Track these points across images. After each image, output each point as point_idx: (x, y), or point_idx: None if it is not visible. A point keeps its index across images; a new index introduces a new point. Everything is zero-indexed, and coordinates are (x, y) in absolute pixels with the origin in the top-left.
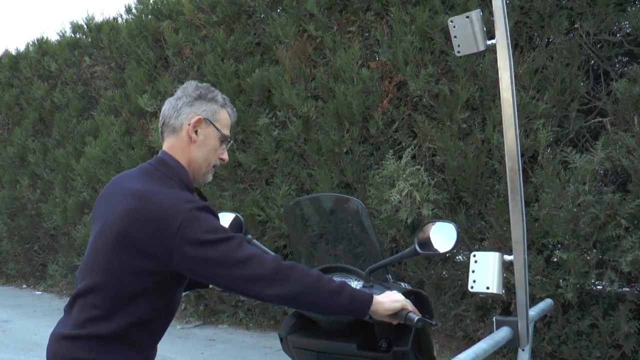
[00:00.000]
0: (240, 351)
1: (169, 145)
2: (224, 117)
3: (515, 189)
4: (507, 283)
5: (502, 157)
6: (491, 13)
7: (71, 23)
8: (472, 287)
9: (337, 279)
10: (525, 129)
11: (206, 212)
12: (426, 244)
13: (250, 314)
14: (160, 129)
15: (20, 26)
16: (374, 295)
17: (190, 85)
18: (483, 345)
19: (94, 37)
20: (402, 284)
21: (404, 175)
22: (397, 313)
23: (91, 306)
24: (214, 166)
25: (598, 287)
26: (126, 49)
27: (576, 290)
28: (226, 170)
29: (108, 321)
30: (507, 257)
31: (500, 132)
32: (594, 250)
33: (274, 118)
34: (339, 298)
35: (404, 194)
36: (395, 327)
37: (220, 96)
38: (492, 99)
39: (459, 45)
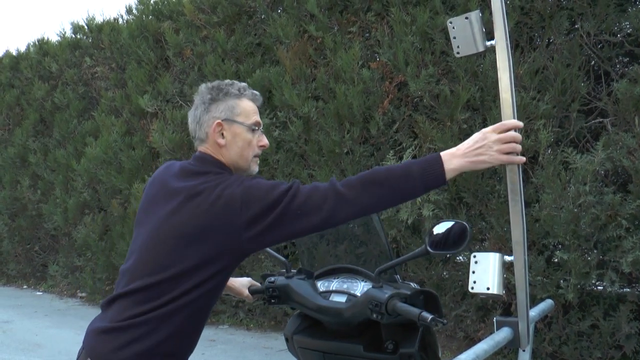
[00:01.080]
0: (241, 352)
1: (204, 148)
2: (246, 106)
3: (515, 189)
4: (508, 284)
5: None
6: (491, 14)
7: (72, 24)
8: (472, 288)
9: (342, 281)
10: (526, 130)
11: (255, 180)
12: (437, 243)
13: (251, 314)
14: (194, 144)
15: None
16: (442, 156)
17: (202, 90)
18: (483, 346)
19: (94, 37)
20: (411, 284)
21: None
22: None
23: (142, 302)
24: (255, 156)
25: (599, 287)
26: (127, 49)
27: (577, 290)
28: None
29: (162, 316)
30: (507, 258)
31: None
32: (595, 251)
33: (274, 118)
34: (410, 181)
35: None
36: (402, 328)
37: (234, 88)
38: (492, 99)
39: (458, 47)
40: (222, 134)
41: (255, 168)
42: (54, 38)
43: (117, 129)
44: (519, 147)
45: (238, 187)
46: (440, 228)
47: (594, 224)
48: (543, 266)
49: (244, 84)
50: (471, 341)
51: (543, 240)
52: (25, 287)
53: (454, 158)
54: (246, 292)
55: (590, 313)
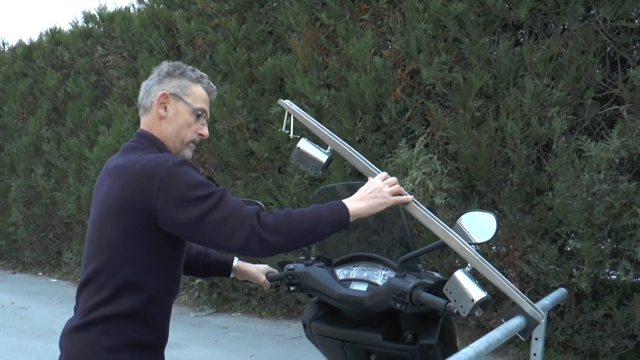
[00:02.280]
0: (253, 339)
1: (144, 123)
2: (197, 91)
3: (427, 219)
4: (520, 272)
5: (516, 145)
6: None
7: (83, 13)
8: (464, 312)
9: (362, 269)
10: (540, 117)
11: (186, 167)
12: (464, 233)
13: (263, 302)
14: (139, 112)
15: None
16: (348, 205)
17: (163, 65)
18: (496, 334)
19: (106, 26)
20: (435, 273)
21: (417, 164)
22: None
23: (98, 290)
24: (192, 142)
25: (612, 276)
26: (138, 38)
27: (590, 279)
28: (239, 159)
29: (118, 301)
30: (467, 268)
31: (515, 120)
32: (609, 240)
33: None
34: (317, 230)
35: (417, 182)
36: (421, 318)
37: (193, 72)
38: (505, 87)
39: (311, 170)
40: (165, 107)
41: (188, 153)
42: (66, 27)
43: (129, 118)
44: (402, 189)
45: (162, 167)
46: (467, 217)
47: (608, 213)
48: (556, 255)
49: (205, 75)
50: (483, 330)
51: (556, 229)
52: (40, 274)
53: (354, 202)
54: (263, 277)
55: (604, 302)
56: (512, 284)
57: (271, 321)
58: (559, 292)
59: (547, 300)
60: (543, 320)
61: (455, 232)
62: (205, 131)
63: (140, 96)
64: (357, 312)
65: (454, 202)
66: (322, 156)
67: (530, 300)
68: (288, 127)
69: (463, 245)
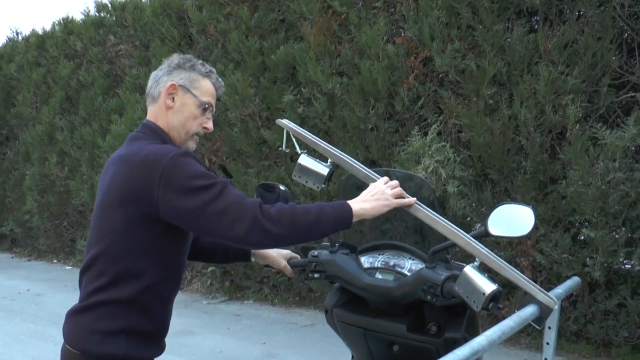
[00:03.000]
0: (266, 327)
1: (151, 113)
2: (205, 86)
3: (431, 219)
4: (533, 261)
5: (529, 133)
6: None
7: (95, 2)
8: (477, 307)
9: (388, 258)
10: (554, 105)
11: (188, 158)
12: (499, 226)
13: (276, 290)
14: (146, 102)
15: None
16: (352, 205)
17: (174, 57)
18: (509, 323)
19: (118, 15)
20: (464, 264)
21: (430, 152)
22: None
23: (97, 275)
24: (196, 134)
25: (627, 266)
26: (150, 27)
27: (604, 269)
28: (251, 147)
29: (116, 287)
30: (476, 263)
31: (528, 108)
32: (623, 229)
33: (298, 95)
34: (319, 227)
35: (429, 170)
36: (447, 310)
37: (203, 67)
38: (519, 74)
39: (313, 182)
40: (173, 98)
41: (192, 145)
42: (79, 17)
43: (141, 107)
44: (404, 192)
45: (164, 158)
46: (502, 210)
47: (623, 201)
48: (569, 244)
49: (214, 70)
50: (495, 319)
51: (569, 218)
52: (55, 261)
53: (358, 203)
54: (284, 263)
55: (617, 292)
56: (522, 274)
57: (283, 309)
58: (573, 281)
59: (560, 289)
60: (556, 308)
61: (491, 223)
62: (210, 125)
63: (149, 85)
64: (383, 302)
65: (467, 191)
66: (323, 169)
67: (541, 289)
68: (289, 146)
69: (469, 240)
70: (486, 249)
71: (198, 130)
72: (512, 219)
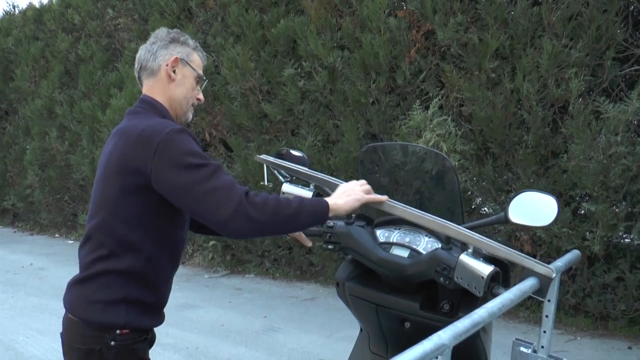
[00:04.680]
0: (267, 300)
1: (148, 87)
2: (197, 59)
3: (407, 212)
4: (533, 235)
5: (532, 107)
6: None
7: None
8: (479, 292)
9: (404, 233)
10: (557, 79)
11: (184, 135)
12: (520, 213)
13: (277, 264)
14: (137, 74)
15: None
16: (328, 200)
17: (162, 31)
18: (509, 296)
19: None
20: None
21: (431, 126)
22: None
23: (97, 246)
24: (192, 105)
25: (626, 240)
26: (149, 0)
27: (603, 242)
28: (252, 121)
29: (116, 259)
30: (470, 250)
31: (531, 81)
32: (624, 203)
33: (299, 69)
34: (299, 219)
35: (430, 144)
36: (462, 290)
37: (191, 40)
38: (522, 47)
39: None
40: (174, 71)
41: (190, 116)
42: None
43: None
44: (372, 191)
45: (161, 133)
46: (524, 197)
47: (624, 175)
48: (569, 218)
49: (197, 42)
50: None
51: (570, 192)
52: (57, 235)
53: (332, 199)
54: (301, 233)
55: (616, 265)
56: (517, 251)
57: (284, 283)
58: (573, 254)
59: (560, 262)
60: (556, 280)
61: (512, 210)
62: (202, 96)
63: (143, 58)
64: (396, 278)
65: (468, 164)
66: (306, 194)
67: (539, 261)
68: (270, 179)
69: (459, 229)
70: (477, 234)
71: (194, 101)
72: (534, 208)
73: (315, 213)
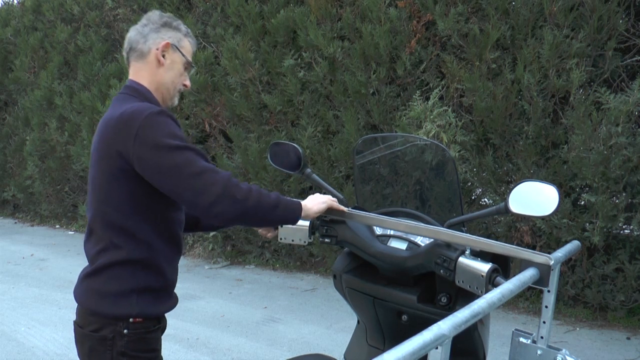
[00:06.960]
0: (267, 291)
1: (135, 70)
2: (187, 45)
3: (384, 221)
4: (533, 226)
5: (532, 98)
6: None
7: None
8: (481, 291)
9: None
10: (558, 69)
11: (164, 116)
12: (520, 203)
13: (277, 255)
14: (126, 56)
15: None
16: (301, 202)
17: (155, 14)
18: (509, 286)
19: None
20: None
21: (431, 117)
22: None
23: (99, 239)
24: (179, 90)
25: (626, 231)
26: None
27: (603, 233)
28: (251, 111)
29: (119, 249)
30: (467, 252)
31: (532, 72)
32: (624, 194)
33: (299, 59)
34: (277, 211)
35: (430, 135)
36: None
37: (183, 26)
38: (523, 38)
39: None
40: (164, 55)
41: (176, 101)
42: None
43: None
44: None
45: (141, 115)
46: (525, 187)
47: (624, 166)
48: (569, 209)
49: (188, 28)
50: None
51: (570, 183)
52: (57, 226)
53: (304, 202)
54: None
55: (616, 256)
56: (512, 245)
57: (285, 274)
58: (573, 245)
59: (560, 252)
60: (556, 270)
61: (512, 200)
62: (188, 82)
63: (134, 39)
64: (394, 270)
65: (468, 155)
66: (303, 224)
67: (535, 251)
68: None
69: (450, 233)
70: (467, 234)
71: (180, 87)
72: (535, 198)
73: (292, 209)
